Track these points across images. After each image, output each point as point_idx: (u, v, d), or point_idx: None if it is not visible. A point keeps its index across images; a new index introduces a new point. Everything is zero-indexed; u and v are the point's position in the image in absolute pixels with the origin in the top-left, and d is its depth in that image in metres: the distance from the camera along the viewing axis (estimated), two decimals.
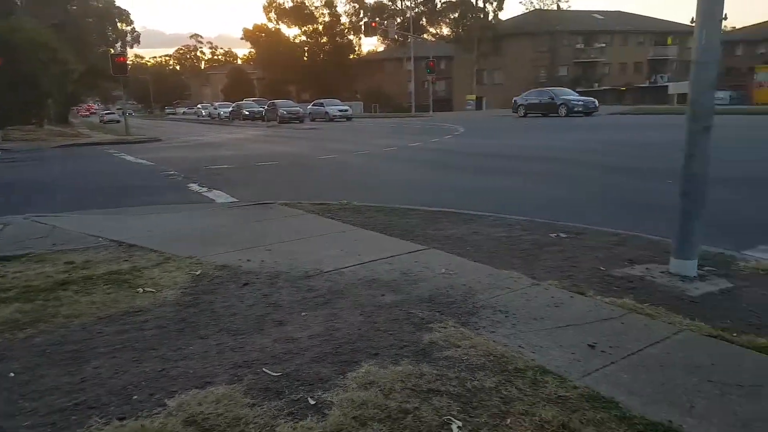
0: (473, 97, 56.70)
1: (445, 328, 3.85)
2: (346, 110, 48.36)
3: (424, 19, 69.35)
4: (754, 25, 65.79)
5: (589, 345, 3.57)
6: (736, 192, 9.04)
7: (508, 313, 4.12)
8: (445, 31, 69.02)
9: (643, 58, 65.49)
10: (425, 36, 67.35)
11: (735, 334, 3.72)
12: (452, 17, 64.13)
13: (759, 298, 4.44)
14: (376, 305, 4.37)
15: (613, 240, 6.26)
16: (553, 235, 6.54)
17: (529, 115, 37.81)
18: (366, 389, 3.04)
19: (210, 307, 4.47)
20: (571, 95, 36.63)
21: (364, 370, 3.26)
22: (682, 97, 38.24)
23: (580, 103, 34.91)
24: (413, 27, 55.00)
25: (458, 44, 63.29)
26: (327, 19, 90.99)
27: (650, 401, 2.91)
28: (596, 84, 60.63)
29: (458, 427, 2.65)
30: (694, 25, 4.55)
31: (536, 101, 37.69)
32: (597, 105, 36.10)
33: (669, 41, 66.85)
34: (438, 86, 69.37)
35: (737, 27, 70.42)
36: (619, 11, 69.88)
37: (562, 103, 35.21)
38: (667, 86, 52.96)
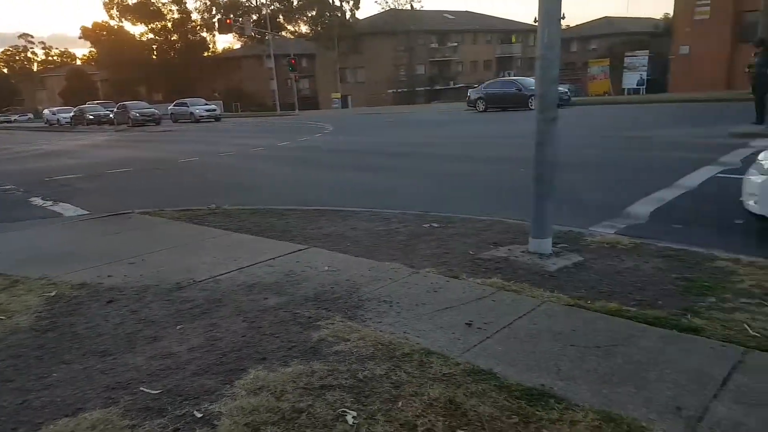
0: (338, 95, 57.21)
1: (332, 324, 3.88)
2: (214, 110, 45.72)
3: (281, 17, 68.23)
4: (586, 22, 73.60)
5: (467, 323, 3.80)
6: (579, 175, 10.06)
7: (392, 303, 4.25)
8: (304, 29, 68.66)
9: (492, 56, 70.35)
10: (284, 33, 66.40)
11: (589, 302, 4.17)
12: (309, 15, 63.95)
13: (606, 268, 5.01)
14: (259, 309, 4.26)
15: (479, 226, 6.68)
16: (426, 225, 6.84)
17: (490, 109, 32.32)
18: (256, 395, 2.97)
19: (71, 330, 4.07)
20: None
21: (252, 376, 3.18)
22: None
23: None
24: (270, 24, 53.90)
25: (319, 42, 63.37)
26: (176, 15, 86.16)
27: (524, 369, 3.17)
28: (452, 82, 64.11)
29: (353, 417, 2.69)
30: (537, 24, 4.99)
31: (499, 93, 31.99)
32: (569, 96, 31.66)
33: (513, 39, 72.51)
34: (302, 84, 68.96)
35: (571, 25, 78.26)
36: (468, 11, 74.46)
37: (532, 95, 28.09)
38: None
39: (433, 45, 65.04)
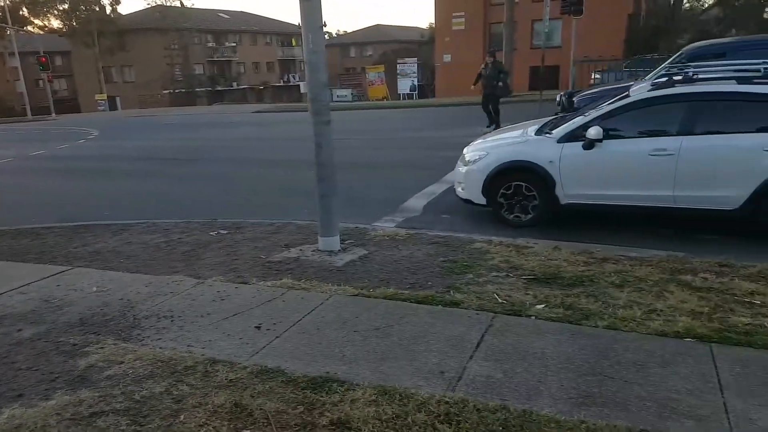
0: (104, 96, 51.49)
1: (103, 348, 3.56)
2: None
3: (25, 10, 59.00)
4: (361, 29, 77.64)
5: (256, 327, 3.81)
6: (364, 175, 10.63)
7: (174, 317, 4.05)
8: (56, 23, 60.40)
9: (274, 58, 70.34)
10: (30, 28, 57.53)
11: (371, 290, 4.50)
12: (61, 9, 56.45)
13: (385, 258, 5.44)
14: (12, 343, 3.71)
15: (270, 229, 6.70)
16: (213, 233, 6.62)
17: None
18: None
19: None
20: None
21: (6, 416, 2.78)
22: None
23: None
24: (11, 18, 46.24)
25: (75, 39, 56.34)
26: None
27: (311, 360, 3.30)
28: (235, 83, 62.49)
29: None
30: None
31: None
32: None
33: (294, 43, 73.36)
34: (58, 85, 60.61)
35: (348, 31, 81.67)
36: (243, 11, 73.04)
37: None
38: (299, 85, 58.14)
39: (210, 44, 62.56)
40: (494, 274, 4.83)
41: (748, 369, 3.13)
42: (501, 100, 15.06)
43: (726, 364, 3.20)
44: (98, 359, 3.40)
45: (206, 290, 4.59)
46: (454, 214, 7.33)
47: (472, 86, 15.36)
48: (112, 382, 3.12)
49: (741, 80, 5.71)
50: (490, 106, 14.83)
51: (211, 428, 2.61)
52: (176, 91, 56.71)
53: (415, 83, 37.83)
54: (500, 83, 14.37)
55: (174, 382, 3.07)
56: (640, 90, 6.14)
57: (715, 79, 5.92)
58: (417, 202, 8.04)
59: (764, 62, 5.84)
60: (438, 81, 39.13)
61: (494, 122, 14.45)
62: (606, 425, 2.66)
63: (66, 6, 54.27)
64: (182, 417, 2.70)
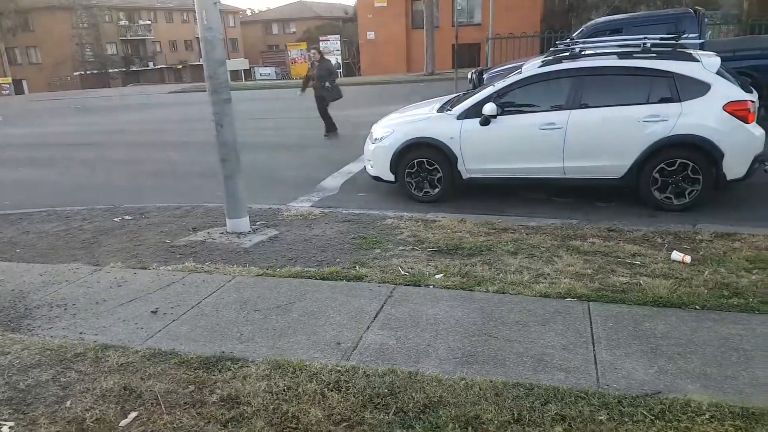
0: (8, 80, 47.76)
1: None
2: None
3: None
4: (286, 5, 75.23)
5: (152, 312, 3.78)
6: (282, 155, 10.54)
7: (67, 306, 3.95)
8: None
9: (192, 36, 67.15)
10: None
11: (277, 270, 4.54)
12: None
13: (295, 237, 5.48)
14: None
15: (177, 213, 6.56)
16: (117, 219, 6.41)
17: None
18: None
19: None
20: None
21: None
22: (236, 74, 40.69)
23: None
24: None
25: None
26: None
27: (207, 341, 3.33)
28: (150, 63, 59.44)
29: (9, 427, 2.49)
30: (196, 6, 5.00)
31: None
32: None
33: None
34: None
35: (272, 7, 78.87)
36: None
37: None
38: None
39: (122, 22, 58.95)
40: (401, 248, 5.00)
41: (619, 324, 3.43)
42: (333, 103, 12.22)
43: (600, 320, 3.49)
44: None
45: (103, 277, 4.48)
46: (370, 192, 7.44)
47: (300, 93, 12.44)
48: None
49: (622, 55, 6.09)
50: (322, 111, 12.18)
51: (97, 411, 2.60)
52: (88, 72, 53.22)
53: (339, 61, 37.47)
54: (329, 84, 11.86)
55: (62, 370, 3.02)
56: (531, 66, 6.42)
57: (599, 55, 6.27)
58: (334, 181, 8.10)
59: (645, 37, 6.25)
60: (363, 58, 38.92)
61: (332, 129, 12.10)
62: (483, 381, 2.86)
63: None
64: (68, 403, 2.68)
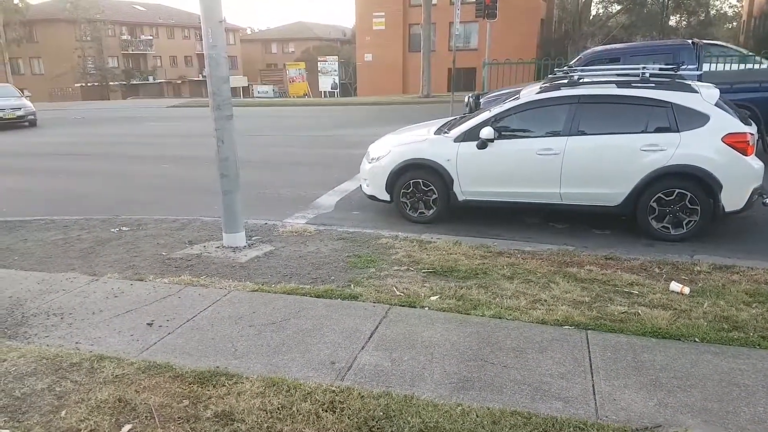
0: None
1: None
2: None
3: None
4: (286, 25, 76.22)
5: (148, 324, 3.77)
6: (278, 172, 10.56)
7: (64, 315, 3.93)
8: None
9: (192, 52, 67.84)
10: None
11: (272, 285, 4.54)
12: None
13: (291, 254, 5.49)
14: None
15: (174, 226, 6.56)
16: (114, 230, 6.41)
17: None
18: None
19: None
20: None
21: None
22: (235, 91, 40.91)
23: None
24: None
25: None
26: None
27: (201, 355, 3.32)
28: (151, 77, 59.81)
29: None
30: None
31: None
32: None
33: None
34: None
35: (271, 27, 79.84)
36: (160, 4, 69.70)
37: None
38: None
39: (125, 37, 59.56)
40: (396, 268, 5.01)
41: (617, 354, 3.42)
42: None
43: (598, 349, 3.49)
44: None
45: (100, 287, 4.47)
46: (365, 210, 7.47)
47: None
48: None
49: (621, 84, 6.19)
50: None
51: (92, 423, 2.58)
52: (89, 84, 53.47)
53: (337, 81, 37.85)
54: None
55: (57, 379, 3.00)
56: (529, 92, 6.52)
57: (597, 83, 6.37)
58: (329, 199, 8.12)
59: (644, 67, 6.37)
60: (360, 79, 39.31)
61: None
62: (480, 408, 2.86)
63: None
64: (63, 413, 2.66)
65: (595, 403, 2.94)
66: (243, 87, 43.19)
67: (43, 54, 54.48)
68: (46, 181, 10.41)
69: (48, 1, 57.00)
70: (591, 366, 3.30)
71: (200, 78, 66.01)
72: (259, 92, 39.97)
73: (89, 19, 52.94)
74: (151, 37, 61.94)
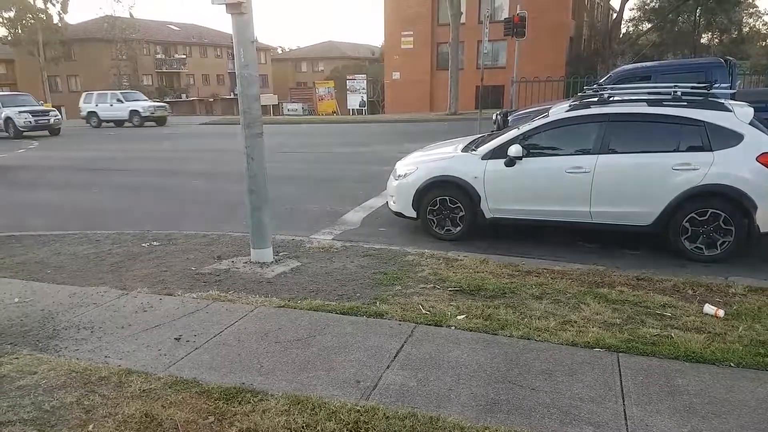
0: (48, 105, 49.49)
1: (17, 359, 3.49)
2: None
3: None
4: (316, 44, 77.90)
5: (176, 338, 3.80)
6: (307, 188, 10.65)
7: (94, 328, 3.99)
8: (1, 31, 57.76)
9: (224, 71, 69.52)
10: None
11: (298, 302, 4.54)
12: (7, 17, 54.11)
13: (317, 270, 5.49)
14: None
15: (203, 241, 6.64)
16: (145, 244, 6.52)
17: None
18: None
19: None
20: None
21: None
22: (265, 108, 41.55)
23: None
24: None
25: (20, 47, 54.23)
26: None
27: (228, 372, 3.33)
28: (184, 95, 61.38)
29: None
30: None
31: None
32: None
33: None
34: None
35: (301, 46, 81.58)
36: (193, 24, 71.75)
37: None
38: None
39: (159, 55, 61.46)
40: (422, 285, 4.97)
41: (650, 378, 3.33)
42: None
43: (630, 372, 3.39)
44: (11, 369, 3.34)
45: (130, 301, 4.54)
46: (391, 227, 7.46)
47: None
48: (23, 392, 3.08)
49: (652, 102, 6.09)
50: None
51: None
52: None
53: (364, 99, 38.22)
54: None
55: (86, 393, 3.04)
56: (558, 110, 6.46)
57: (628, 101, 6.28)
58: (356, 215, 8.14)
59: (676, 86, 6.26)
60: (387, 97, 39.64)
61: None
62: (508, 431, 2.79)
63: (12, 14, 52.02)
64: (91, 427, 2.69)
65: (627, 428, 2.86)
66: (273, 105, 43.94)
67: (80, 72, 56.50)
68: (78, 195, 10.71)
69: (86, 21, 59.24)
70: (622, 390, 3.20)
71: (232, 96, 67.42)
72: (288, 110, 40.67)
73: (125, 38, 54.78)
74: (185, 56, 63.74)
